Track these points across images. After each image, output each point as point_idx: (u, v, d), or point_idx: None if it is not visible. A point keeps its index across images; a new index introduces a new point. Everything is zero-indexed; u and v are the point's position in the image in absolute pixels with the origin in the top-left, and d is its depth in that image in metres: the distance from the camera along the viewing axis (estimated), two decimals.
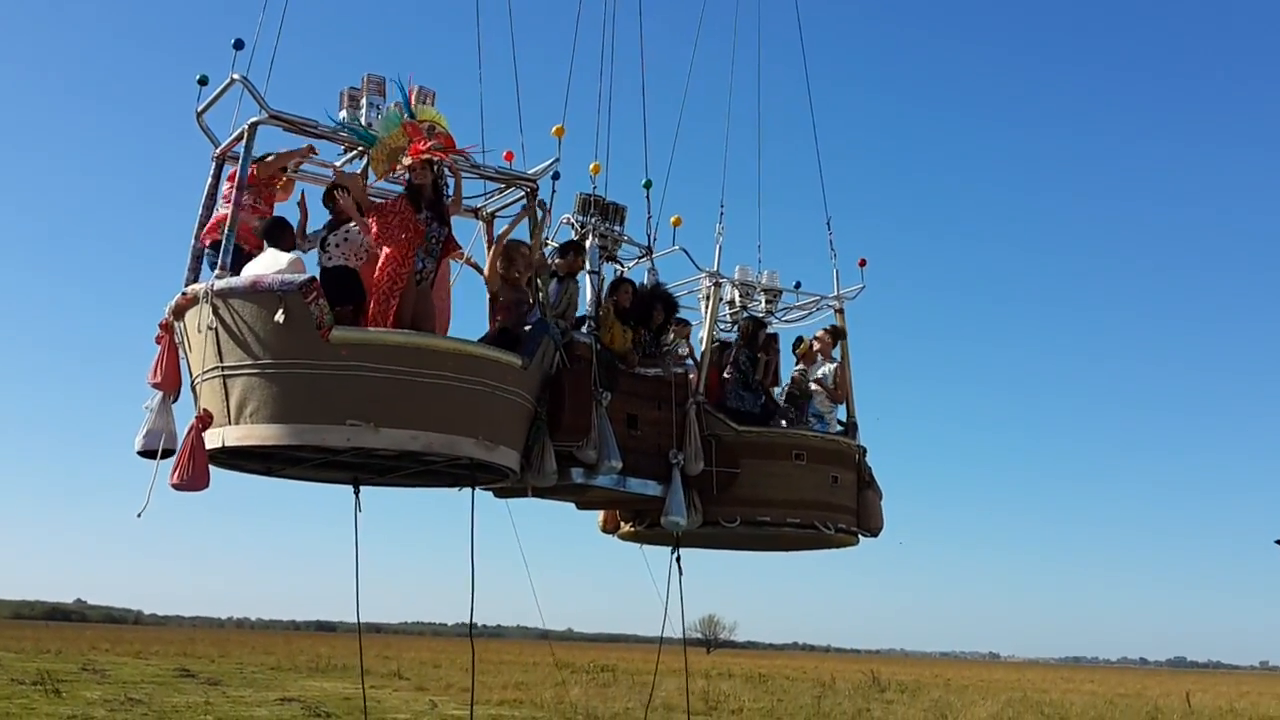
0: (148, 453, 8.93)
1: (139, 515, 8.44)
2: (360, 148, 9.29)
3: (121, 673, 37.03)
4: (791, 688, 41.80)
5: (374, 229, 8.70)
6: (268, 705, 25.32)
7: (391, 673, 42.22)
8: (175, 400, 9.10)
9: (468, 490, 9.95)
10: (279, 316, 8.11)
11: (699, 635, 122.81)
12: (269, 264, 8.46)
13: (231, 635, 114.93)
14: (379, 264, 8.66)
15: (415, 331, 8.70)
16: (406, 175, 9.05)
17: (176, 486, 8.31)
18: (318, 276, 8.36)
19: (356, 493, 9.92)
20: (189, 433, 8.40)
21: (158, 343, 9.12)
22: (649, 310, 10.94)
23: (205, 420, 8.41)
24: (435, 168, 9.17)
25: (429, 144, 8.87)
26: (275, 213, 9.31)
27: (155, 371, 8.99)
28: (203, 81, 9.20)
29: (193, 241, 9.25)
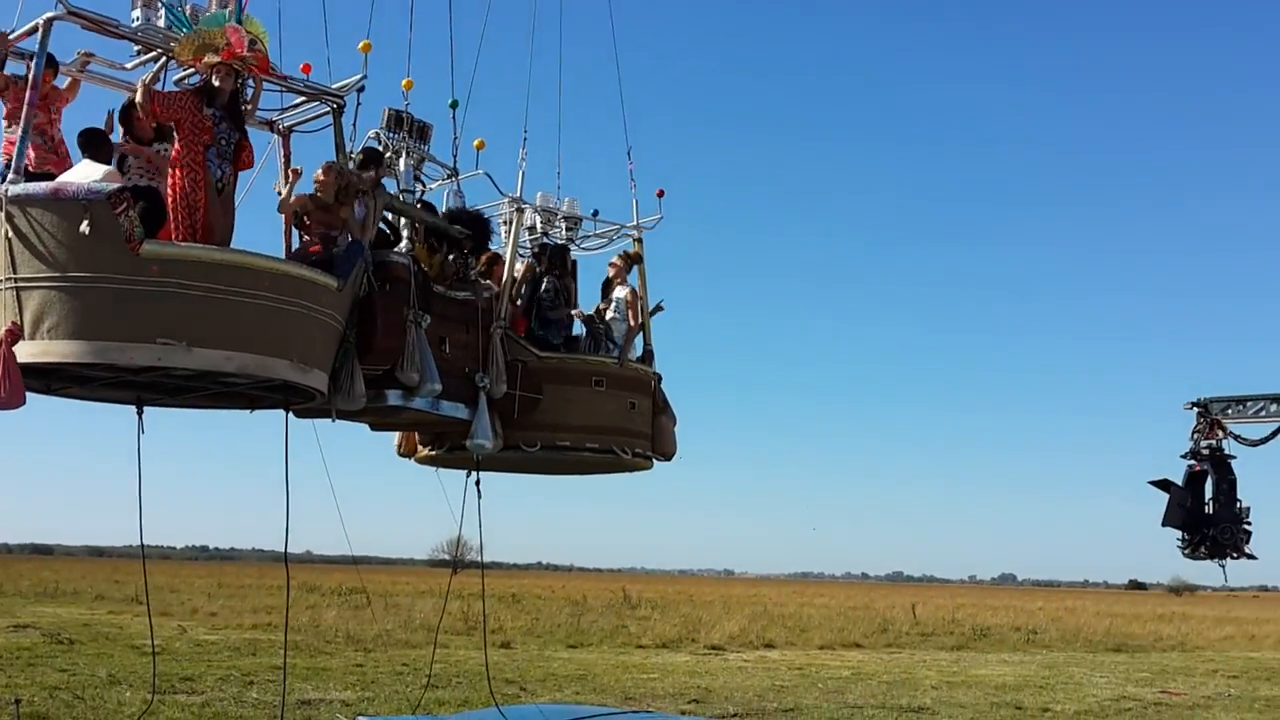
0: None
1: None
2: (158, 49, 8.76)
3: None
4: (546, 606, 42.62)
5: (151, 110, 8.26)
6: (1, 633, 24.01)
7: (129, 598, 40.66)
8: None
9: (233, 410, 9.67)
10: (84, 227, 7.58)
11: (444, 556, 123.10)
12: (84, 174, 7.91)
13: None
14: (172, 163, 8.24)
15: (231, 248, 8.33)
16: (207, 75, 8.59)
17: None
18: (130, 189, 7.85)
19: (140, 413, 9.47)
20: None
21: None
22: (448, 231, 10.79)
23: (14, 334, 7.79)
24: (239, 79, 8.77)
25: (245, 54, 8.45)
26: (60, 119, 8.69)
27: None
28: None
29: None
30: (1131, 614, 54.63)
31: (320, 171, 9.50)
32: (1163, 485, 13.16)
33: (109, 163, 8.30)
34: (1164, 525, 13.15)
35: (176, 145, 8.34)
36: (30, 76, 8.11)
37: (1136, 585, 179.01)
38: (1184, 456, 13.36)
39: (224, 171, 8.42)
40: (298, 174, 9.52)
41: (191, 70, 9.13)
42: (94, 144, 8.32)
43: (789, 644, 27.79)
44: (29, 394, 7.98)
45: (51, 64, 8.43)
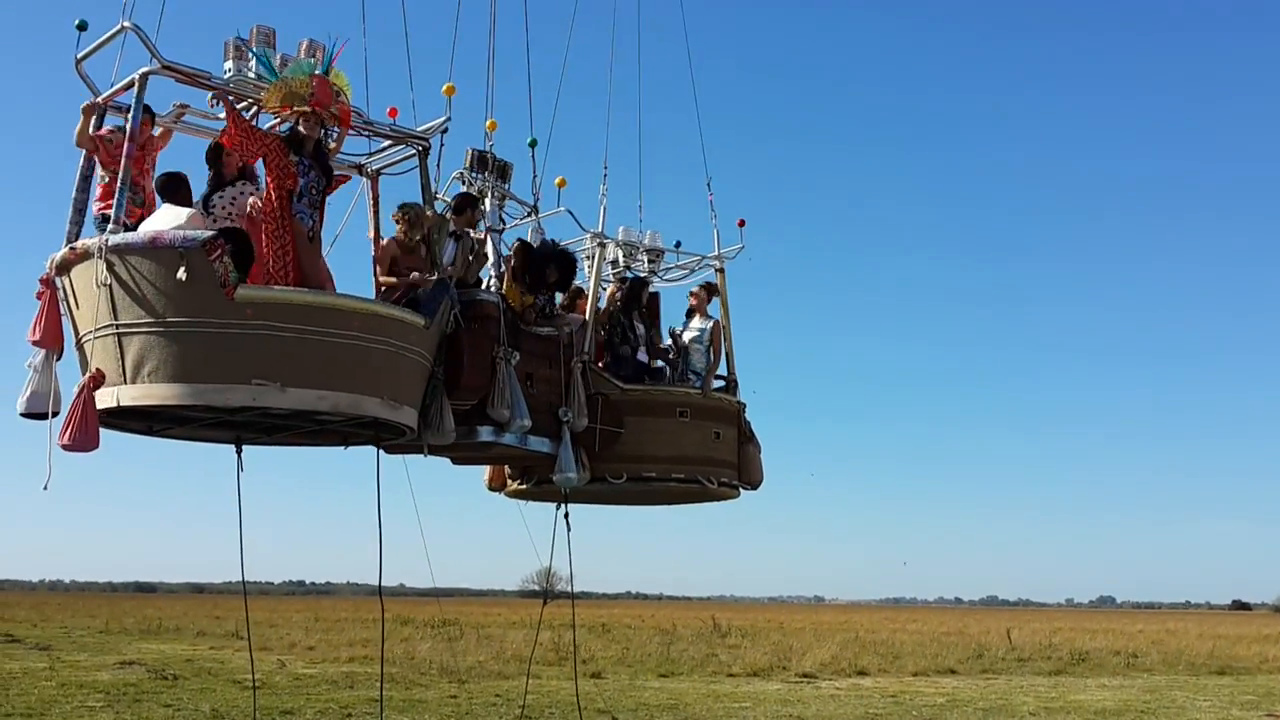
0: (33, 415, 8.60)
1: (45, 487, 8.16)
2: (249, 99, 9.06)
3: None
4: (635, 636, 42.55)
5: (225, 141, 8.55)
6: (108, 669, 24.61)
7: (229, 633, 41.39)
8: (59, 359, 8.77)
9: (327, 448, 9.87)
10: (181, 274, 7.88)
11: (534, 587, 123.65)
12: (168, 220, 8.20)
13: (47, 598, 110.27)
14: (265, 207, 8.50)
15: (322, 291, 8.57)
16: (293, 122, 8.87)
17: (67, 448, 8.01)
18: (221, 234, 8.11)
19: (239, 452, 9.76)
20: (80, 392, 8.09)
21: (38, 299, 8.74)
22: (543, 271, 10.99)
23: (97, 380, 8.11)
24: (326, 129, 9.06)
25: (331, 106, 8.73)
26: (160, 167, 9.02)
27: (35, 329, 8.62)
28: (81, 27, 8.79)
29: (74, 193, 8.88)
30: (1236, 635, 53.03)
31: (396, 216, 9.74)
32: None
33: (188, 204, 8.57)
34: None
35: (266, 192, 8.58)
36: (128, 129, 8.42)
37: (1240, 606, 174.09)
38: None
39: (313, 221, 8.66)
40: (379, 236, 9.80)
41: (280, 120, 9.44)
42: (173, 188, 8.60)
43: (882, 671, 27.44)
44: (103, 436, 8.33)
45: (148, 114, 8.75)
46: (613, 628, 49.39)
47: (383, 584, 9.73)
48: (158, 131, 9.22)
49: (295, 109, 8.82)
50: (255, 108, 9.37)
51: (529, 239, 11.51)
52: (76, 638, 38.49)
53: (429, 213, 9.71)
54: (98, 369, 8.15)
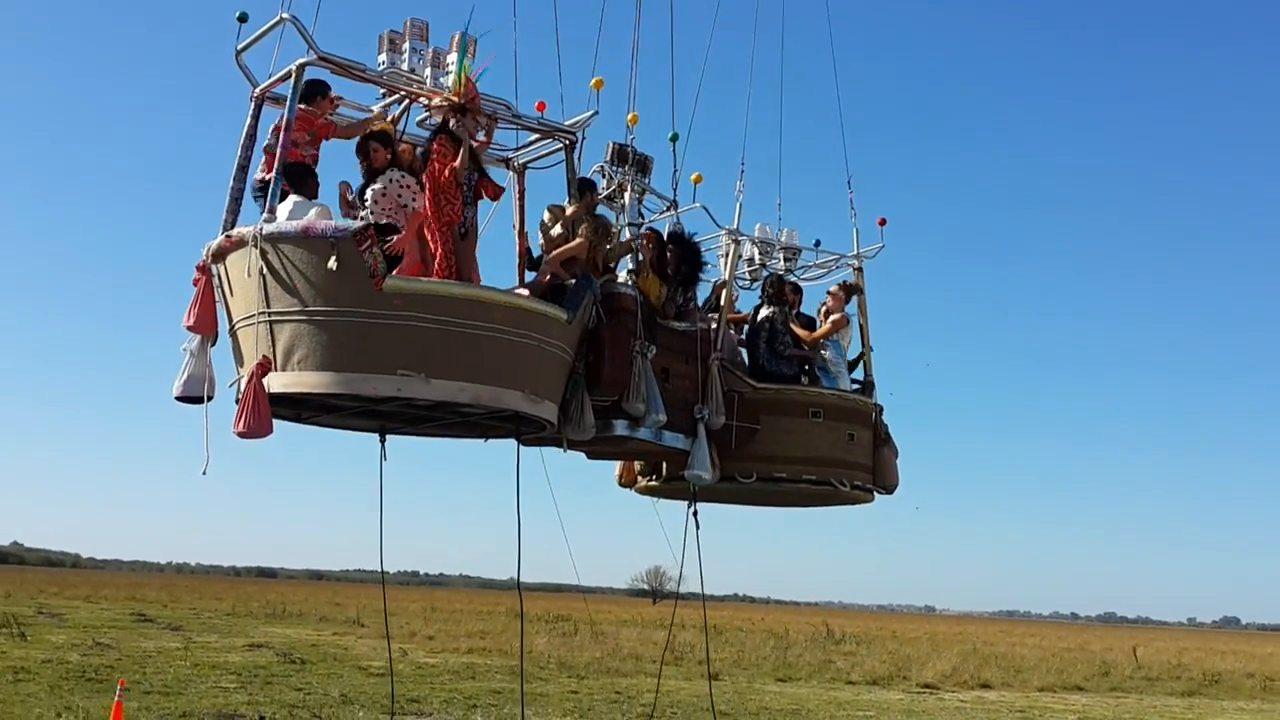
0: (188, 399, 8.77)
1: (204, 472, 8.32)
2: (403, 91, 9.18)
3: (78, 616, 36.73)
4: (748, 639, 42.30)
5: (428, 175, 8.59)
6: (238, 651, 25.28)
7: (350, 620, 42.26)
8: (214, 344, 8.94)
9: (460, 439, 9.91)
10: (332, 264, 7.96)
11: (644, 586, 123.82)
12: (298, 210, 8.29)
13: (177, 581, 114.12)
14: (428, 207, 8.55)
15: (468, 283, 8.61)
16: (447, 119, 8.94)
17: (242, 434, 8.07)
18: (369, 226, 8.18)
19: (383, 441, 9.86)
20: (250, 379, 8.17)
21: (194, 285, 8.91)
22: (664, 255, 10.86)
23: (265, 366, 8.20)
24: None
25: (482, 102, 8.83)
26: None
27: (190, 314, 8.76)
28: (242, 19, 8.93)
29: (231, 183, 9.04)
30: None
31: (547, 216, 9.74)
32: None
33: (314, 197, 8.63)
34: None
35: (428, 192, 8.62)
36: (284, 119, 8.54)
37: None
38: None
39: (467, 215, 8.70)
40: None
41: (430, 114, 9.52)
42: (301, 178, 8.65)
43: (1005, 685, 26.81)
44: (276, 423, 8.38)
45: (324, 90, 8.83)
46: (724, 630, 49.17)
47: (520, 578, 9.73)
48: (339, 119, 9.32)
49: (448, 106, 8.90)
50: (407, 100, 9.50)
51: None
52: (205, 619, 39.67)
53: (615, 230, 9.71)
54: (264, 356, 8.24)
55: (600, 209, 10.66)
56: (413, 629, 38.57)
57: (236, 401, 8.58)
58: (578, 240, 9.64)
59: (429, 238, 8.60)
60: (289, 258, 8.13)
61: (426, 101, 9.23)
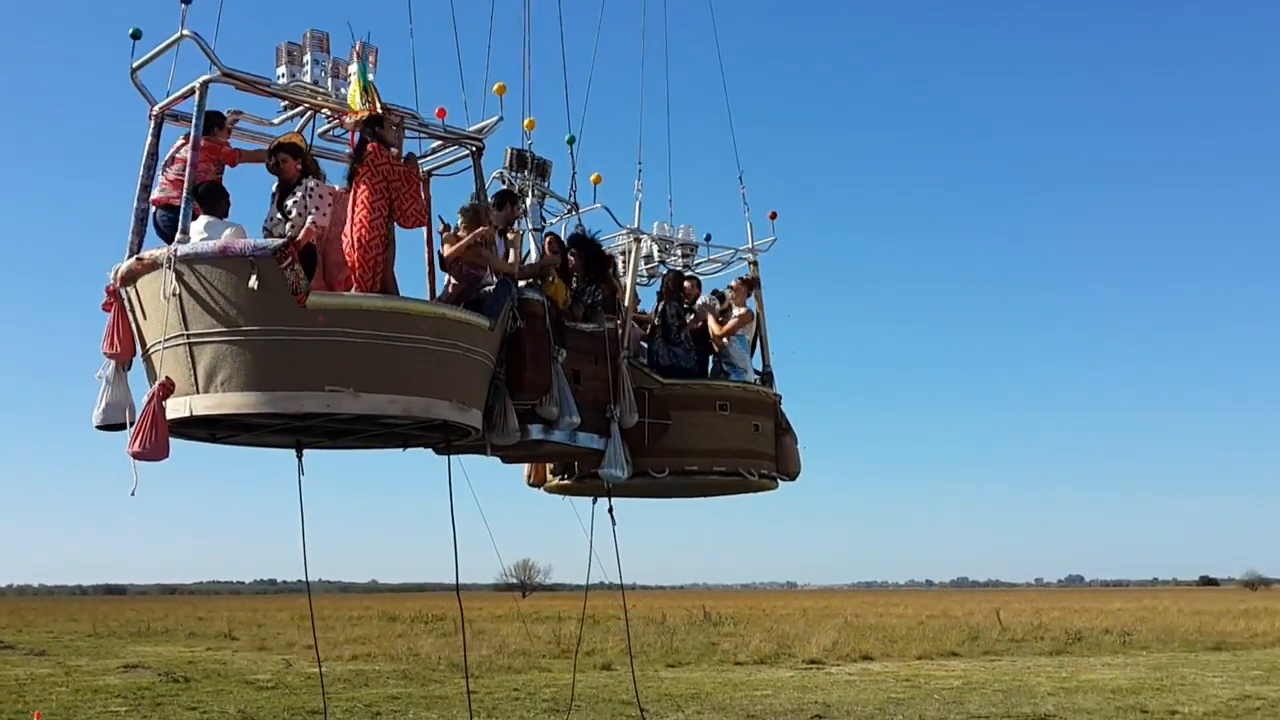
0: (109, 426, 8.56)
1: (132, 493, 8.13)
2: (308, 103, 9.08)
3: None
4: (624, 627, 42.60)
5: (364, 189, 8.51)
6: (115, 673, 24.48)
7: (221, 634, 41.27)
8: (128, 369, 8.73)
9: (313, 451, 9.87)
10: (252, 282, 7.86)
11: (514, 580, 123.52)
12: (213, 230, 8.16)
13: (23, 604, 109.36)
14: (358, 224, 8.48)
15: (391, 295, 8.57)
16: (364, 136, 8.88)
17: (137, 456, 7.96)
18: (291, 242, 8.09)
19: (300, 457, 9.74)
20: (149, 401, 8.05)
21: (105, 310, 8.69)
22: (565, 257, 10.98)
23: (167, 388, 8.07)
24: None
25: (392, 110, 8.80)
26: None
27: (110, 340, 8.55)
28: (136, 36, 8.72)
29: (135, 203, 8.82)
30: (1217, 610, 53.80)
31: (464, 221, 9.73)
32: None
33: (225, 216, 8.53)
34: None
35: (362, 200, 8.54)
36: (191, 138, 8.39)
37: (1208, 581, 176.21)
38: None
39: (390, 227, 8.68)
40: (448, 227, 9.71)
41: (336, 124, 9.44)
42: (214, 198, 8.53)
43: (886, 655, 27.66)
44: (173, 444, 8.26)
45: (220, 121, 8.72)
46: (602, 619, 49.42)
47: (459, 581, 9.74)
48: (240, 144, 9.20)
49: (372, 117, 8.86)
50: (310, 112, 9.38)
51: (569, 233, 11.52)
52: (68, 642, 38.23)
53: (491, 213, 9.72)
54: (167, 377, 8.11)
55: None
56: (288, 639, 37.82)
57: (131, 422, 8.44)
58: (466, 239, 9.64)
59: (348, 250, 8.51)
60: (207, 278, 7.99)
61: (333, 115, 9.14)
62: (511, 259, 9.94)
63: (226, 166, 8.87)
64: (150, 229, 8.82)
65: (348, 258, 8.45)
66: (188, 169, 8.29)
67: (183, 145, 8.66)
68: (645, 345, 11.79)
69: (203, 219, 8.23)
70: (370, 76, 8.77)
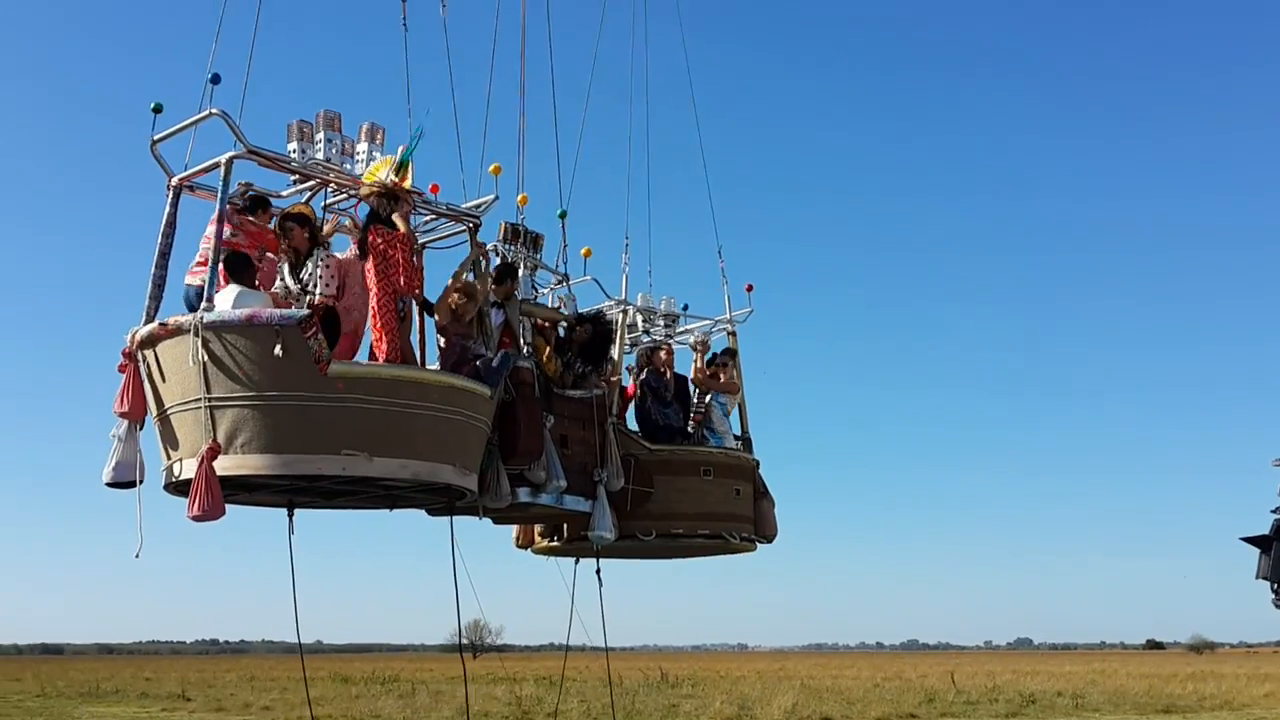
0: (119, 484, 8.88)
1: (137, 555, 8.44)
2: (320, 179, 9.54)
3: None
4: (585, 688, 42.58)
5: (371, 267, 8.98)
6: None
7: (174, 694, 40.76)
8: (141, 429, 9.07)
9: (364, 510, 10.20)
10: (277, 350, 8.25)
11: (466, 640, 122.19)
12: (242, 300, 8.56)
13: None
14: (375, 298, 8.94)
15: (405, 365, 9.00)
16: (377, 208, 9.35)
17: (197, 518, 8.22)
18: (314, 313, 8.51)
19: (290, 516, 10.05)
20: (200, 464, 8.34)
21: (121, 371, 9.03)
22: (573, 329, 11.49)
23: (215, 450, 8.38)
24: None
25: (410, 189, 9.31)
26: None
27: (122, 400, 8.89)
28: (157, 110, 9.16)
29: (152, 270, 9.20)
30: (1165, 674, 54.54)
31: (454, 290, 10.17)
32: (1259, 541, 13.55)
33: (253, 285, 8.94)
34: (1263, 578, 13.51)
35: (373, 280, 9.01)
36: (218, 211, 8.80)
37: (1155, 645, 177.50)
38: (1275, 511, 13.74)
39: (405, 302, 9.14)
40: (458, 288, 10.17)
41: (344, 197, 9.90)
42: (240, 268, 8.95)
43: (846, 717, 28.00)
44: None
45: (266, 204, 9.15)
46: (558, 680, 49.33)
47: (461, 639, 10.04)
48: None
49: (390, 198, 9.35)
50: (318, 186, 9.82)
51: (565, 306, 11.99)
52: (17, 702, 37.65)
53: (480, 287, 10.17)
54: (215, 440, 8.41)
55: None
56: (243, 699, 37.52)
57: (167, 485, 8.78)
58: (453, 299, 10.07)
59: (374, 320, 8.99)
60: (233, 345, 8.37)
61: (352, 189, 9.60)
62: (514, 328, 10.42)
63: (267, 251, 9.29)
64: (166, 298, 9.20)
65: (373, 328, 8.90)
66: (215, 240, 8.69)
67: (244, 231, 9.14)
68: (638, 408, 12.27)
69: (233, 288, 8.62)
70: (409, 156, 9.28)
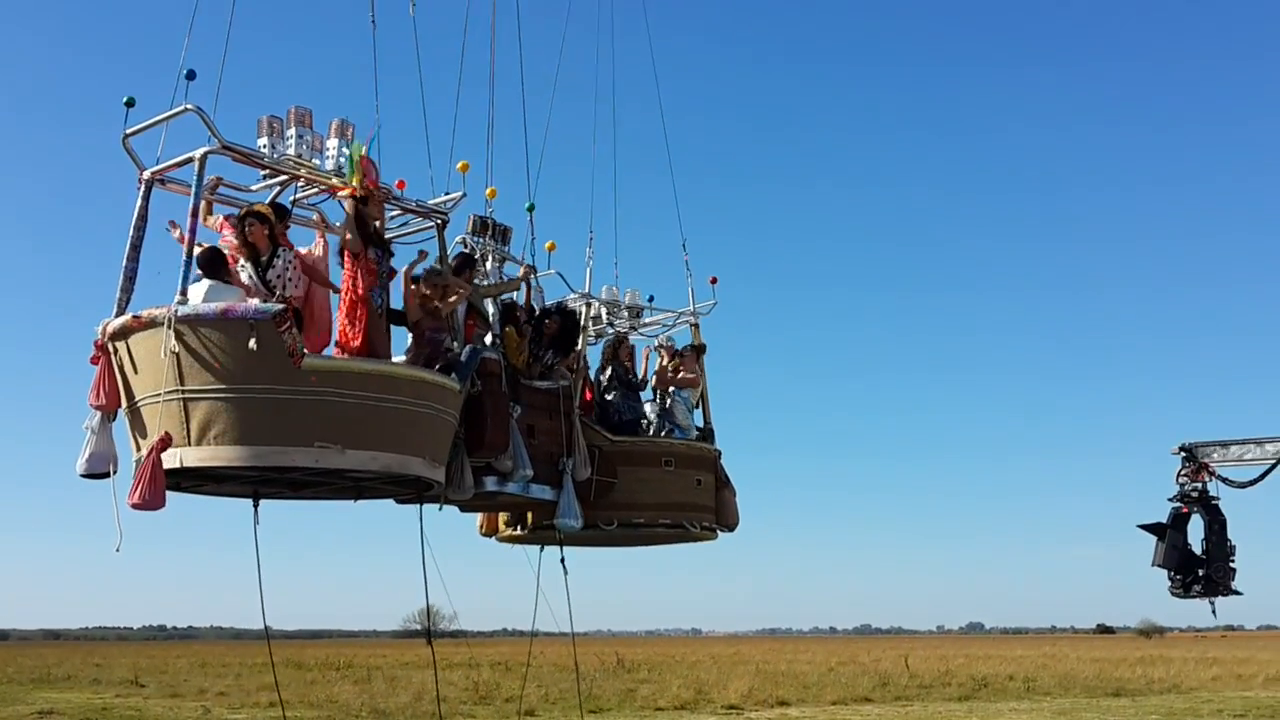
0: (93, 475, 8.96)
1: (117, 549, 8.53)
2: (291, 174, 9.62)
3: None
4: (542, 674, 42.78)
5: (347, 265, 9.13)
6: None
7: (126, 680, 40.57)
8: (113, 420, 9.14)
9: (330, 500, 10.34)
10: (252, 344, 8.35)
11: (417, 626, 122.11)
12: (214, 294, 8.66)
13: None
14: (344, 290, 9.08)
15: (376, 359, 9.13)
16: (357, 206, 9.47)
17: (136, 506, 8.37)
18: (287, 308, 8.61)
19: (256, 506, 10.14)
20: (149, 454, 8.47)
21: (93, 363, 9.09)
22: (543, 321, 11.65)
23: (166, 441, 8.51)
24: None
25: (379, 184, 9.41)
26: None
27: (98, 393, 8.96)
28: (129, 104, 9.21)
29: (124, 262, 9.26)
30: (1115, 658, 55.55)
31: (424, 283, 10.30)
32: (1155, 529, 13.77)
33: (226, 280, 9.04)
34: (1157, 565, 13.70)
35: (346, 277, 9.15)
36: (190, 205, 8.88)
37: (1105, 629, 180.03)
38: (1171, 500, 13.95)
39: (382, 300, 9.27)
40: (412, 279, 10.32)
41: (315, 191, 9.98)
42: (214, 264, 9.05)
43: (801, 701, 28.39)
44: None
45: (285, 215, 9.40)
46: (515, 666, 49.49)
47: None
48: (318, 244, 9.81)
49: (357, 194, 9.44)
50: (288, 180, 9.90)
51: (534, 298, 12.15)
52: None
53: (454, 279, 10.31)
54: (166, 432, 8.53)
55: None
56: (199, 685, 37.43)
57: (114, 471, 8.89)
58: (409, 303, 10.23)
59: (343, 315, 9.13)
60: (207, 338, 8.46)
61: (324, 187, 9.70)
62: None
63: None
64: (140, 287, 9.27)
65: (340, 325, 9.04)
66: (188, 234, 8.76)
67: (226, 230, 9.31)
68: (602, 401, 12.45)
69: (206, 282, 8.71)
70: (361, 153, 9.37)
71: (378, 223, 9.52)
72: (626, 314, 13.43)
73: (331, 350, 9.49)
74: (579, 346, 12.12)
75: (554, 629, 12.71)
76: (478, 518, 12.77)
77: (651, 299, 13.72)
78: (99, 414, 9.07)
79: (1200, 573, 13.69)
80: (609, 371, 12.51)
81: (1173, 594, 13.99)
